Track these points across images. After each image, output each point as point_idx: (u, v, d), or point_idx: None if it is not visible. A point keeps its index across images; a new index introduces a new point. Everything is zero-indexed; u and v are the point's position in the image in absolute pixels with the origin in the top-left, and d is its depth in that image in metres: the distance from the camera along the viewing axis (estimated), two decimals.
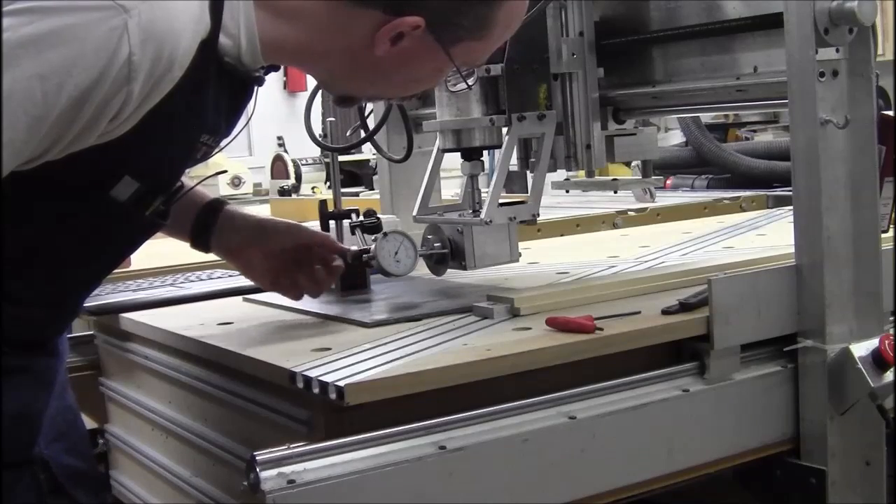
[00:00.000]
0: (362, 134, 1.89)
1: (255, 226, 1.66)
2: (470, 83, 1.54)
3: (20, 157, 1.09)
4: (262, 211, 4.07)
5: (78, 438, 1.65)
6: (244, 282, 1.97)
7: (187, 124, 1.25)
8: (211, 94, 1.25)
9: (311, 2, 1.28)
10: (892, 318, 1.55)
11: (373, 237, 1.78)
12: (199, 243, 1.64)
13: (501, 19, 1.34)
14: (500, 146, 1.76)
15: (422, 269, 1.82)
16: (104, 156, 1.16)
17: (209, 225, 1.62)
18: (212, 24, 1.19)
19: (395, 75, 1.36)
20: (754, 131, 6.03)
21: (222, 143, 1.35)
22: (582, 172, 1.87)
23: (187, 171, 1.38)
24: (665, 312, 1.49)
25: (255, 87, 1.37)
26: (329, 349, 1.39)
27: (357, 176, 6.01)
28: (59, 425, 1.54)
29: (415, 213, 1.84)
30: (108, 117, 1.11)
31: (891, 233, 1.70)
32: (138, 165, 1.23)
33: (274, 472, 1.14)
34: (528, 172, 1.90)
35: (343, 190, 1.97)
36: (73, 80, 1.06)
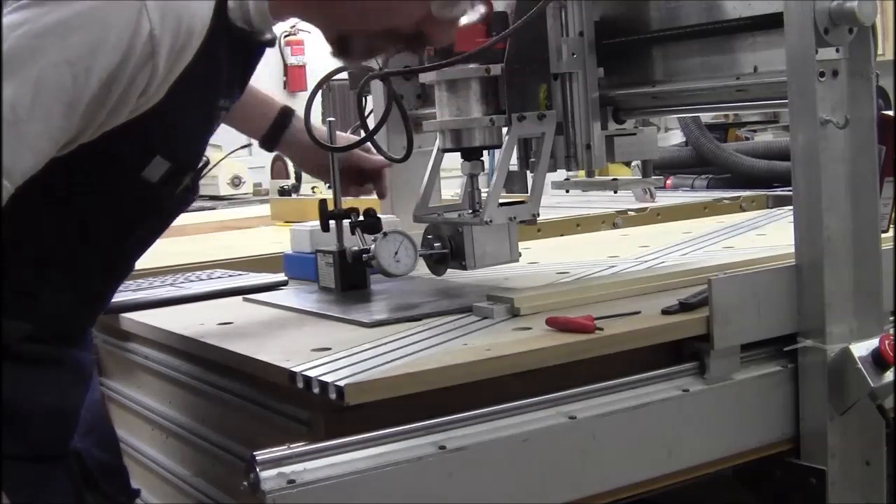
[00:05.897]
0: (362, 134, 1.89)
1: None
2: (482, 11, 1.57)
3: (58, 144, 1.11)
4: (261, 211, 4.06)
5: (106, 433, 1.65)
6: (244, 282, 1.97)
7: (206, 91, 1.28)
8: (224, 59, 1.27)
9: None
10: (892, 318, 1.55)
11: (373, 237, 1.78)
12: (267, 144, 1.86)
13: None
14: (500, 146, 1.76)
15: (422, 269, 1.82)
16: (133, 138, 1.19)
17: (280, 131, 1.85)
18: None
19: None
20: (754, 131, 6.02)
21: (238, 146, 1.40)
22: (582, 172, 1.87)
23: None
24: (665, 312, 1.49)
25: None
26: (329, 349, 1.39)
27: None
28: (88, 419, 1.54)
29: (415, 213, 1.84)
30: (136, 94, 1.14)
31: (891, 233, 1.70)
32: (167, 143, 1.26)
33: (274, 472, 1.14)
34: (528, 172, 1.90)
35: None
36: (100, 63, 1.09)
